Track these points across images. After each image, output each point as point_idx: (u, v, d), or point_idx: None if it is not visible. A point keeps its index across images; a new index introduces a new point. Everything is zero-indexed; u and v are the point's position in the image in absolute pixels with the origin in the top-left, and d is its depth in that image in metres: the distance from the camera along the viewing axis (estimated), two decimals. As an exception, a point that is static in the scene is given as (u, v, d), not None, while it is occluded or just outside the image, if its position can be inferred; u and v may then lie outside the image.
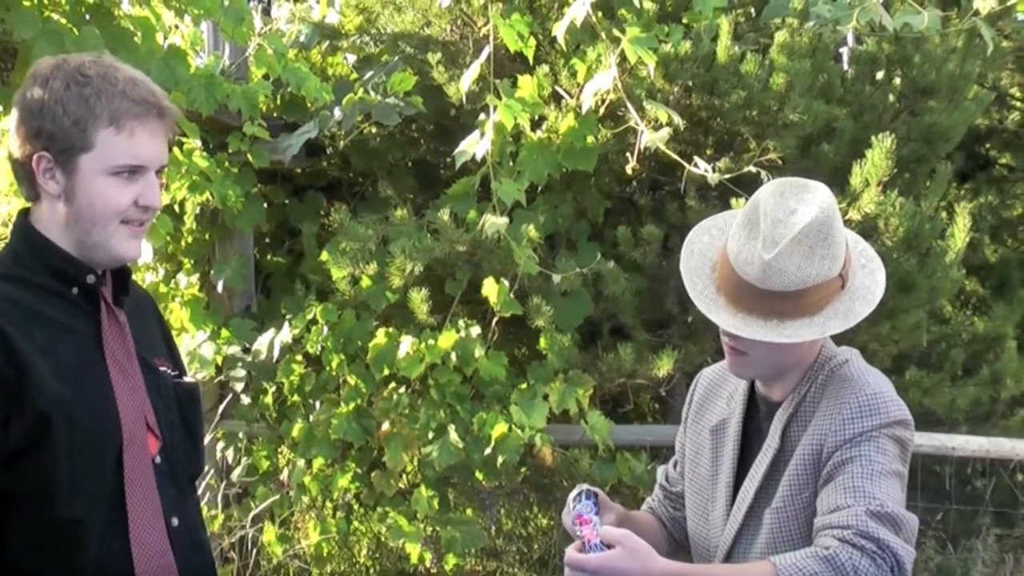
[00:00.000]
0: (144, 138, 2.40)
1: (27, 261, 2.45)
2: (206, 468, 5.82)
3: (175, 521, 2.47)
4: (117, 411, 2.41)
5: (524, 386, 5.79)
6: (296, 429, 5.97)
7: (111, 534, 2.38)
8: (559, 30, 5.57)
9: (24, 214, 2.49)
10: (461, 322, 5.83)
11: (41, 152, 2.39)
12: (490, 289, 5.75)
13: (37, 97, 2.39)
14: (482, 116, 5.71)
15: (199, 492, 2.76)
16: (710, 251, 2.68)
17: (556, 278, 5.66)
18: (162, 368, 2.60)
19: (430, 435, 5.71)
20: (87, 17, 4.36)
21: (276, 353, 6.03)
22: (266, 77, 5.99)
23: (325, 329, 5.96)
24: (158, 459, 2.48)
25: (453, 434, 5.66)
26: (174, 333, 5.14)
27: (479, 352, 5.72)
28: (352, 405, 5.89)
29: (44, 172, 2.40)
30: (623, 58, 5.54)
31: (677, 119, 5.51)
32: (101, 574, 2.36)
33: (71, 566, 2.35)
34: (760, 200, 2.54)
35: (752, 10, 6.41)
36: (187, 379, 2.67)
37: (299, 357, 6.13)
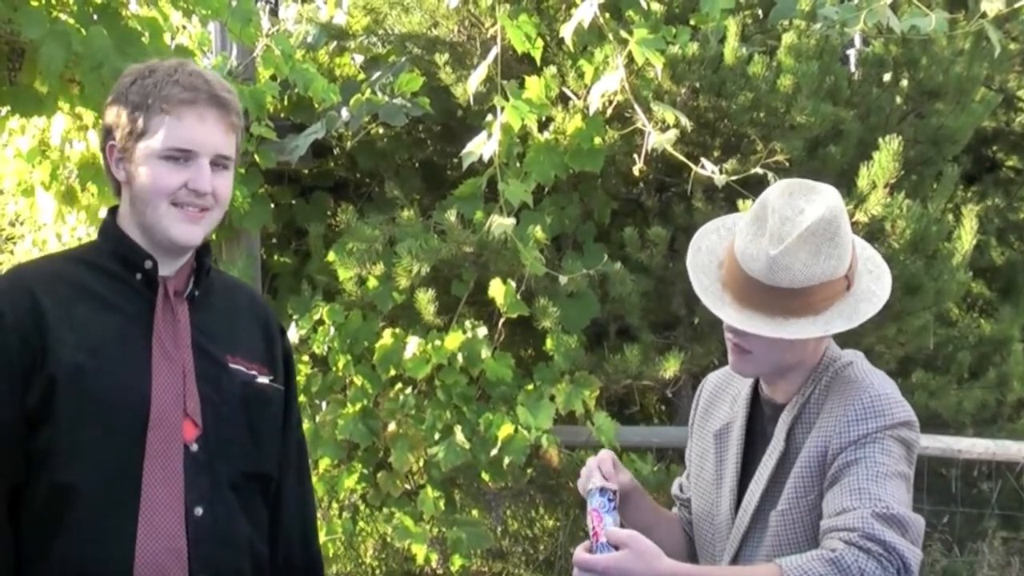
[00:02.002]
0: (192, 123, 2.51)
1: (100, 247, 2.65)
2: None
3: (199, 511, 2.49)
4: (149, 391, 2.47)
5: (530, 387, 5.80)
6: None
7: (119, 508, 2.42)
8: (567, 31, 5.58)
9: (113, 211, 2.66)
10: (468, 323, 5.83)
11: (111, 142, 2.57)
12: (497, 290, 5.76)
13: (112, 95, 2.58)
14: (489, 117, 5.71)
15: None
16: (717, 249, 2.68)
17: (563, 279, 5.67)
18: (234, 365, 2.64)
19: (436, 436, 5.72)
20: (95, 17, 4.36)
21: (283, 353, 6.02)
22: (273, 78, 5.99)
23: (332, 329, 5.96)
24: (194, 447, 2.51)
25: (459, 435, 5.66)
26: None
27: (485, 353, 5.72)
28: (358, 406, 5.89)
29: (116, 162, 2.57)
30: (630, 59, 5.54)
31: (684, 121, 5.51)
32: (97, 543, 2.41)
33: (60, 530, 2.41)
34: (768, 199, 2.55)
35: (759, 12, 6.41)
36: (262, 380, 2.70)
37: (306, 357, 6.13)
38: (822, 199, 2.52)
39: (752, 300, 2.54)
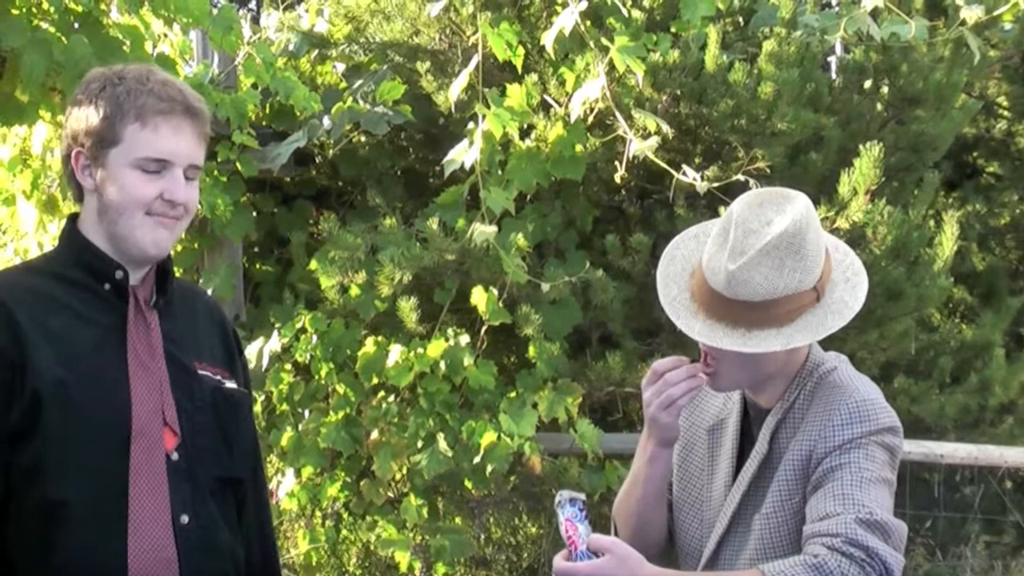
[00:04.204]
0: (167, 133, 2.51)
1: (64, 257, 2.62)
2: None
3: (185, 519, 2.49)
4: (129, 402, 2.47)
5: (513, 395, 5.79)
6: (285, 438, 5.96)
7: (108, 521, 2.42)
8: (548, 39, 5.59)
9: (73, 218, 2.63)
10: (450, 331, 5.83)
11: (78, 149, 2.53)
12: (479, 298, 5.75)
13: (78, 100, 2.56)
14: (471, 125, 5.71)
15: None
16: (692, 257, 2.67)
17: (545, 287, 5.67)
18: (202, 372, 2.64)
19: (419, 444, 5.70)
20: (76, 26, 4.36)
21: (265, 362, 6.01)
22: (255, 86, 5.98)
23: (314, 338, 5.95)
24: (175, 455, 2.51)
25: (442, 443, 5.66)
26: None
27: (468, 361, 5.71)
28: (341, 414, 5.88)
29: (82, 168, 2.55)
30: (611, 67, 5.55)
31: (665, 128, 5.52)
32: (90, 558, 2.40)
33: (54, 547, 2.40)
34: (735, 210, 2.54)
35: (740, 19, 6.42)
36: (229, 385, 2.70)
37: (288, 366, 6.11)
38: (791, 209, 2.52)
39: (718, 312, 2.54)
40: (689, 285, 2.63)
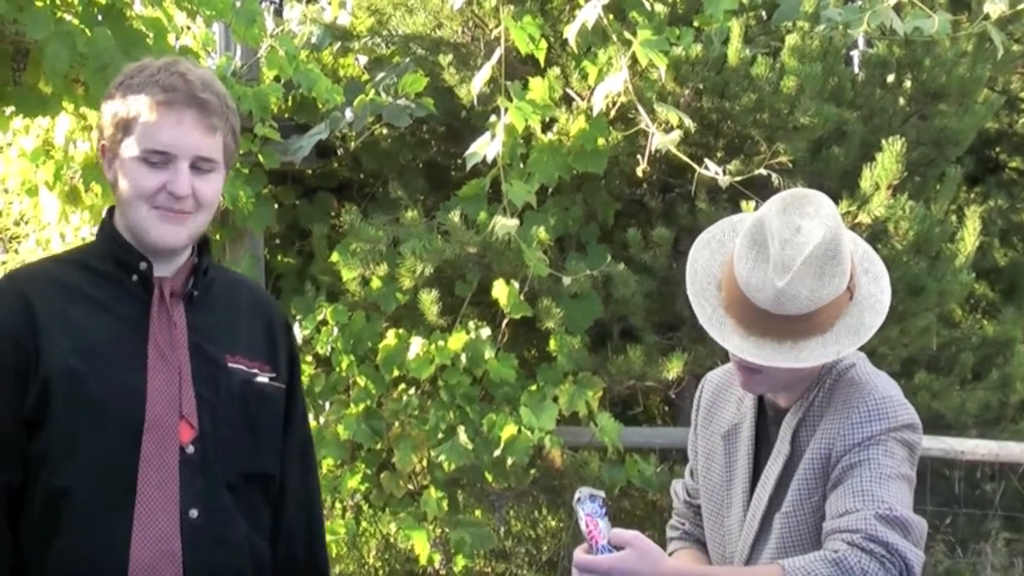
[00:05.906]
0: (168, 125, 2.49)
1: (97, 249, 2.64)
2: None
3: (194, 513, 2.47)
4: (144, 393, 2.46)
5: (534, 388, 5.80)
6: (306, 430, 5.97)
7: (113, 511, 2.42)
8: (570, 32, 5.58)
9: (111, 210, 2.65)
10: (471, 324, 5.83)
11: (103, 142, 2.56)
12: (500, 291, 5.76)
13: (109, 93, 2.57)
14: (493, 118, 5.71)
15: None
16: (712, 267, 2.66)
17: (566, 280, 5.67)
18: (233, 365, 2.63)
19: (440, 436, 5.72)
20: (99, 18, 4.37)
21: (286, 354, 6.02)
22: (277, 79, 5.99)
23: (335, 330, 5.96)
24: (190, 448, 2.50)
25: (463, 436, 5.67)
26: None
27: (489, 354, 5.72)
28: (362, 406, 5.89)
29: (107, 161, 2.57)
30: (634, 61, 5.55)
31: (688, 122, 5.51)
32: (91, 546, 2.41)
33: (56, 534, 2.41)
34: (765, 220, 2.51)
35: (763, 13, 6.41)
36: (261, 379, 2.67)
37: (309, 358, 6.13)
38: (818, 213, 2.50)
39: (759, 327, 2.52)
40: (720, 299, 2.62)
